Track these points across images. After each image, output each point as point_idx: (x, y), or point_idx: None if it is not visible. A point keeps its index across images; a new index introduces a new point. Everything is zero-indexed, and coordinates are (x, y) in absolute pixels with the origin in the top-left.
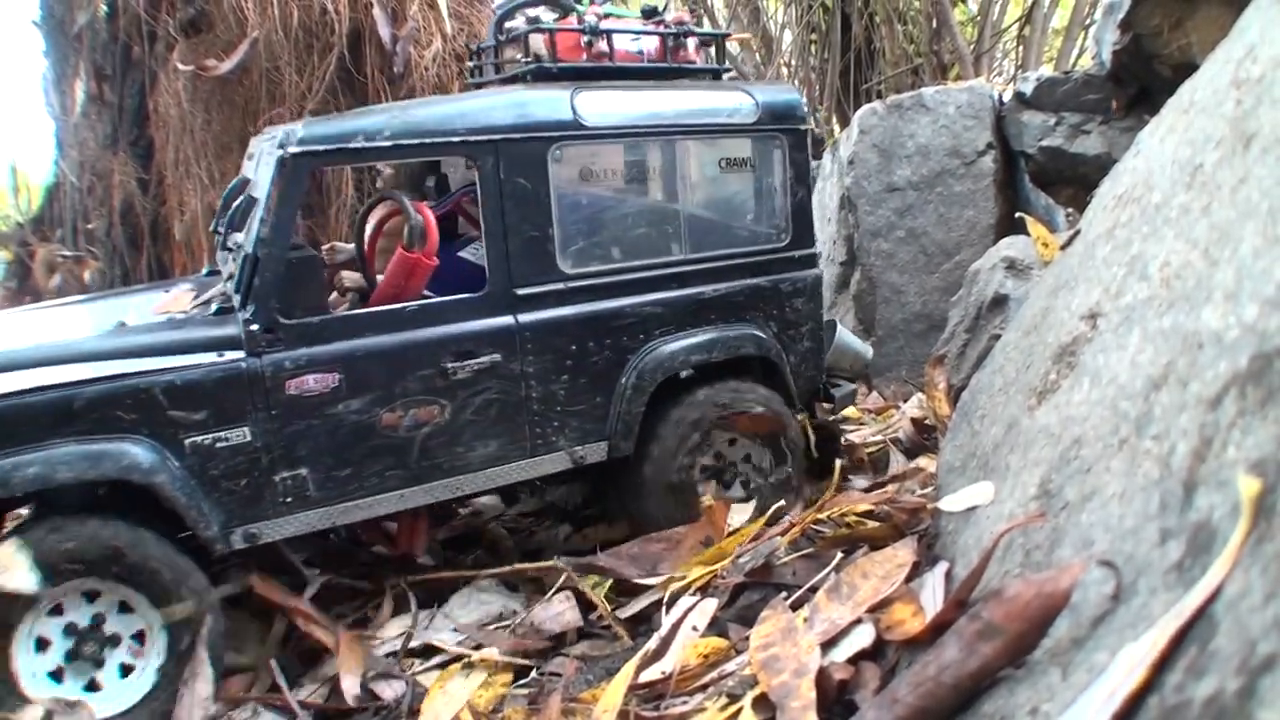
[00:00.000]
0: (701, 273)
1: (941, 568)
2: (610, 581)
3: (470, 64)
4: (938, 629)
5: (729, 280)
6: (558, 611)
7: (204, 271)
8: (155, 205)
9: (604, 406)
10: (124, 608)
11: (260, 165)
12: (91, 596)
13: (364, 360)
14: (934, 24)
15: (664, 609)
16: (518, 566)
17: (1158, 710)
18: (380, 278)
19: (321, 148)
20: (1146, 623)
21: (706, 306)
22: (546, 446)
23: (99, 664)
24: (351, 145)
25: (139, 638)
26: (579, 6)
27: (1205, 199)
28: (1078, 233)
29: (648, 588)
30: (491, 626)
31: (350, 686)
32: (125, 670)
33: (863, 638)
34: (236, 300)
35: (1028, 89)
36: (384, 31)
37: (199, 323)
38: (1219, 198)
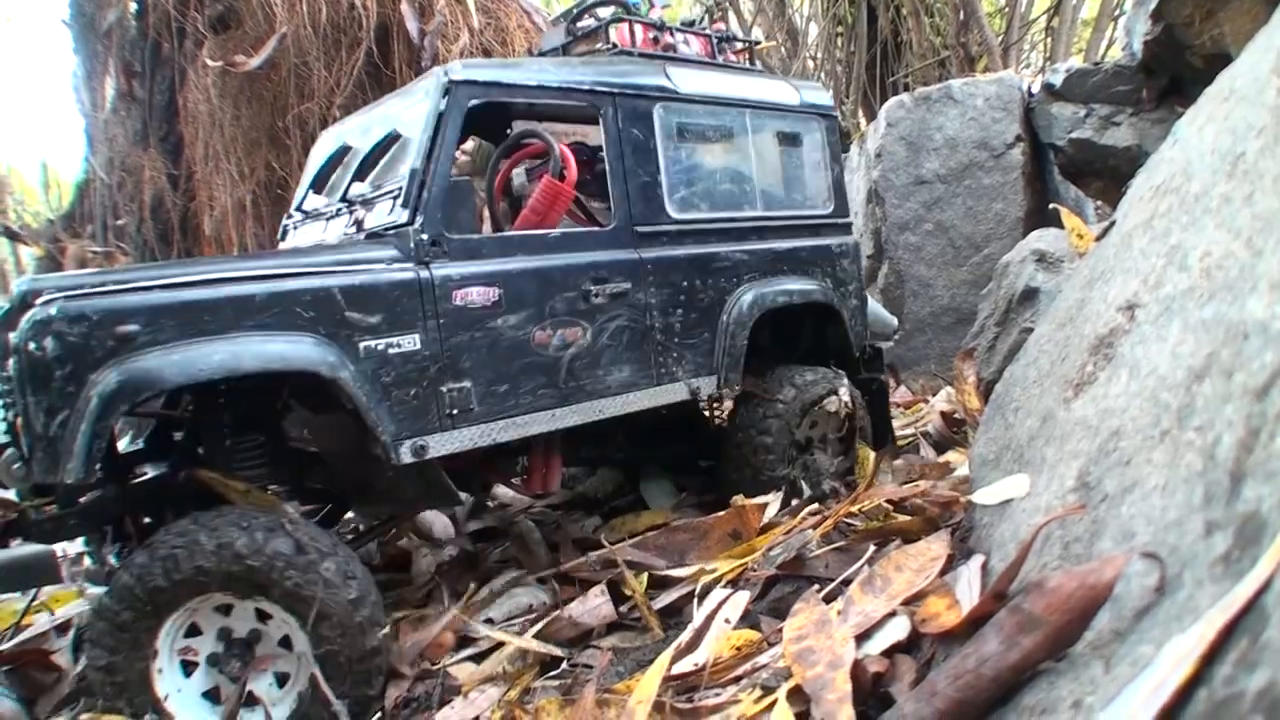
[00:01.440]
0: (773, 228)
1: (977, 561)
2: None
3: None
4: (975, 622)
5: (795, 238)
6: (594, 605)
7: None
8: (185, 200)
9: (711, 341)
10: (260, 615)
11: (392, 119)
12: (226, 610)
13: (519, 278)
14: (961, 15)
15: (696, 601)
16: (588, 557)
17: (1207, 703)
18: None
19: (481, 80)
20: (1193, 615)
21: (780, 259)
22: (669, 376)
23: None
24: (505, 81)
25: (285, 643)
26: (639, 11)
27: (1248, 188)
28: (1113, 224)
29: (677, 580)
30: (522, 619)
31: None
32: (281, 680)
33: (897, 630)
34: (404, 215)
35: (1057, 80)
36: (411, 26)
37: (355, 245)
38: (1261, 187)
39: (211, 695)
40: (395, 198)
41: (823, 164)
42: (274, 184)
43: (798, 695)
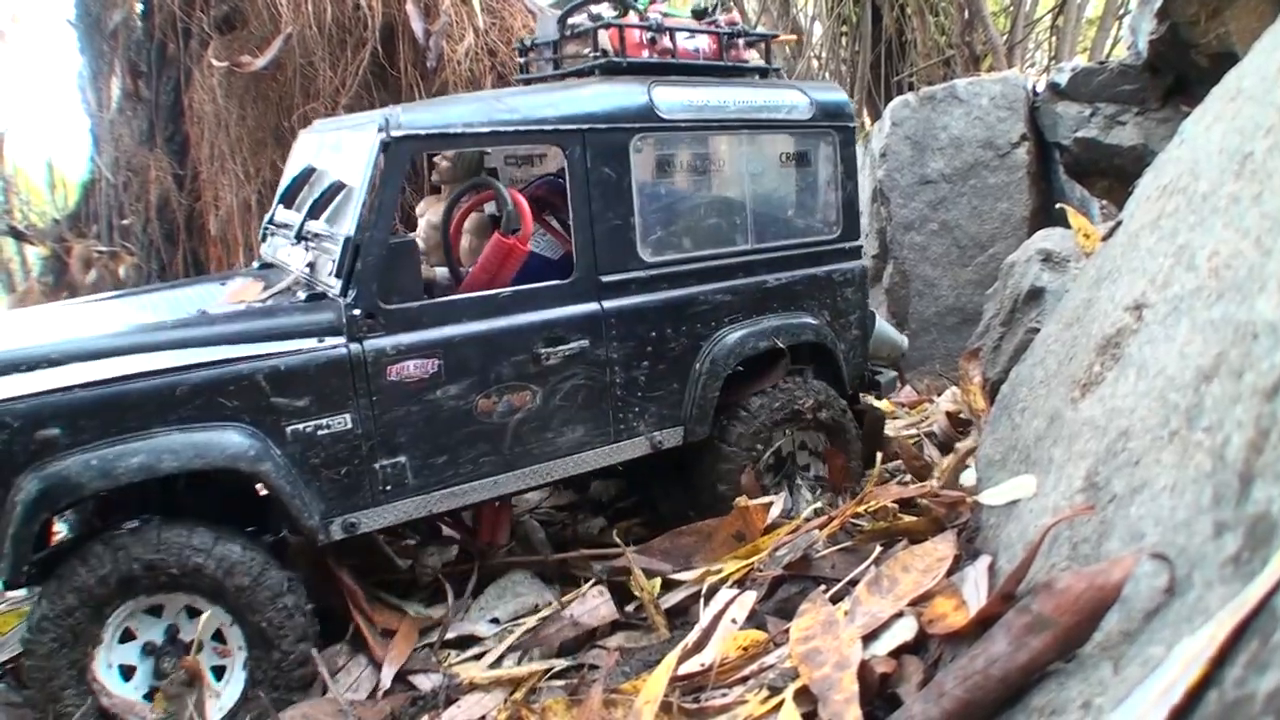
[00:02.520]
0: (765, 262)
1: (984, 561)
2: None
3: (522, 60)
4: (983, 622)
5: (789, 270)
6: (594, 606)
7: (256, 265)
8: (190, 201)
9: (680, 392)
10: (191, 612)
11: (344, 153)
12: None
13: (462, 345)
14: (966, 14)
15: (702, 602)
16: (583, 553)
17: (1218, 704)
18: (464, 269)
19: (424, 132)
20: (1203, 616)
21: (770, 295)
22: (628, 431)
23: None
24: (451, 131)
25: (219, 637)
26: (639, 5)
27: (1256, 188)
28: (1119, 223)
29: (682, 581)
30: (526, 619)
31: (387, 676)
32: (218, 673)
33: (904, 631)
34: (336, 286)
35: (1062, 80)
36: (417, 26)
37: (290, 310)
38: (1270, 186)
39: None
40: (334, 259)
41: (834, 181)
42: (279, 183)
43: (805, 696)
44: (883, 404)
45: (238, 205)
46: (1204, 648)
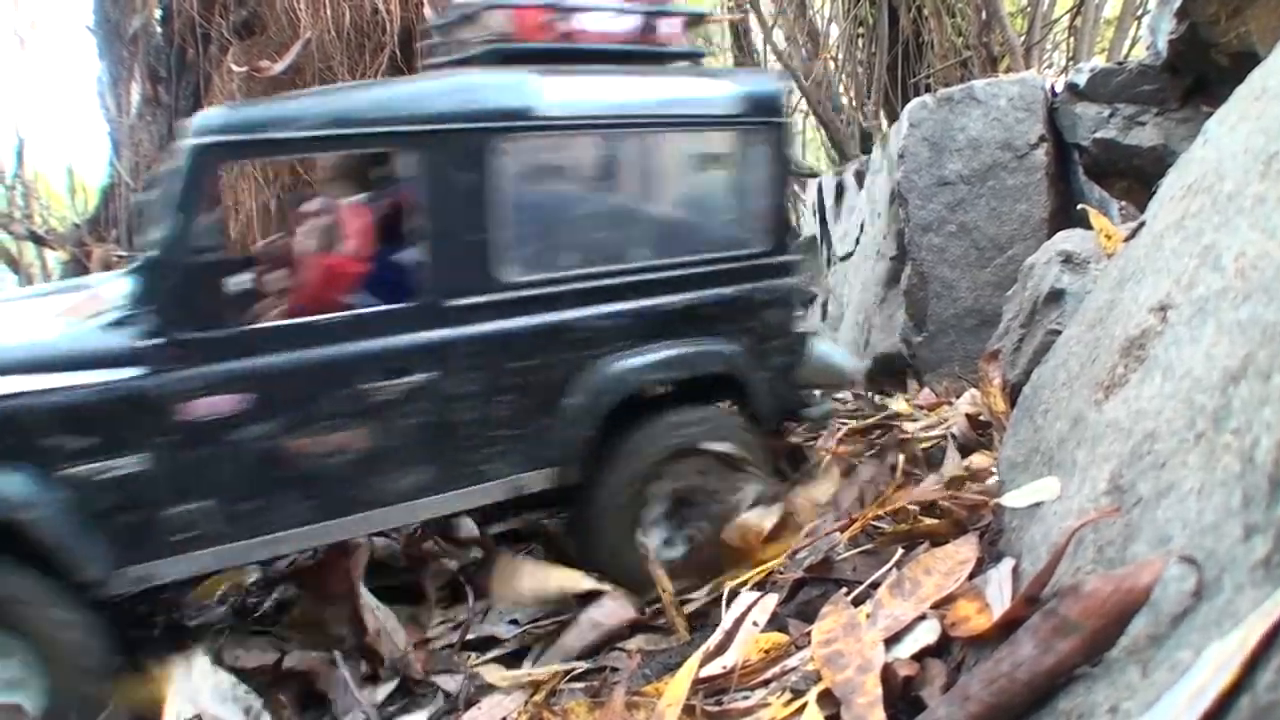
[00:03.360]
0: (667, 281)
1: (1008, 564)
2: None
3: (426, 43)
4: (1007, 626)
5: (698, 290)
6: (612, 608)
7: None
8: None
9: (551, 429)
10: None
11: (175, 161)
12: None
13: (276, 380)
14: (983, 15)
15: (724, 603)
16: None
17: (1250, 709)
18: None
19: (232, 139)
20: (1233, 620)
21: (671, 319)
22: (485, 474)
23: None
24: (266, 136)
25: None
26: None
27: None
28: (1142, 224)
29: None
30: (546, 620)
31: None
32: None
33: (927, 634)
34: (137, 312)
35: (1081, 80)
36: None
37: (85, 335)
38: None
39: None
40: (139, 279)
41: (762, 189)
42: (299, 187)
43: (827, 699)
44: (901, 405)
45: (257, 209)
46: (1235, 652)
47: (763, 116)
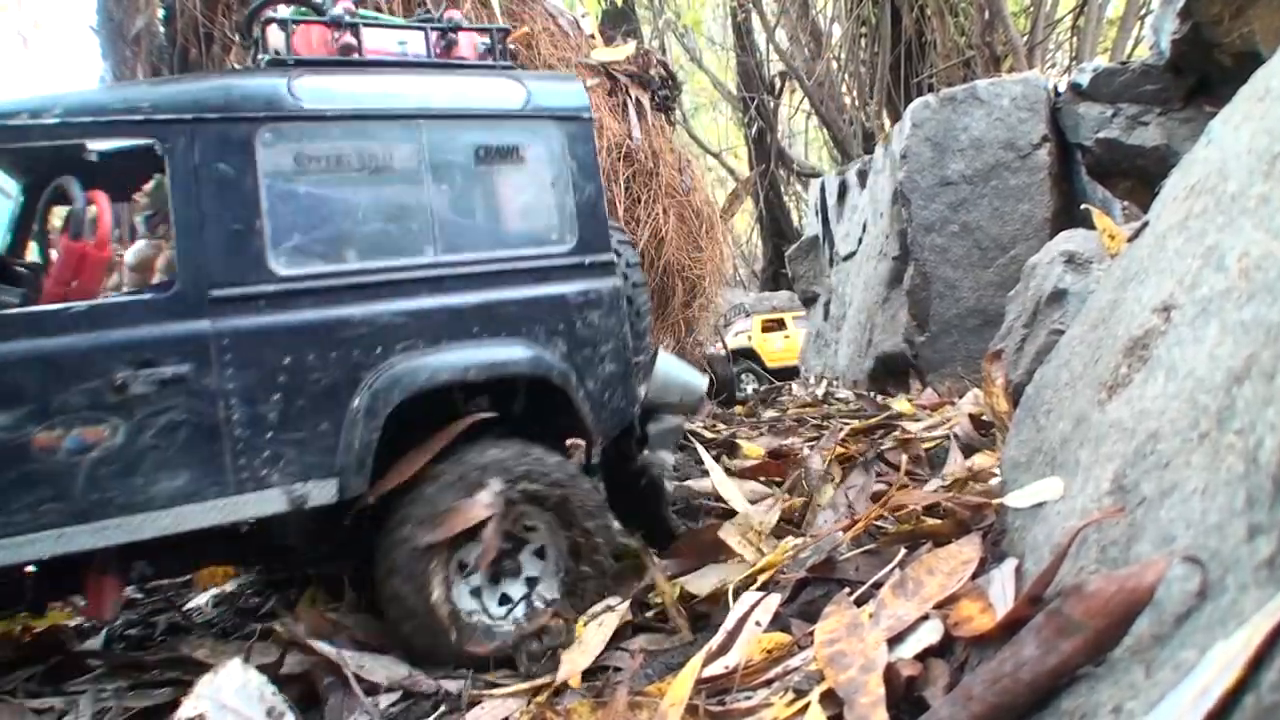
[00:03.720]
0: (461, 278)
1: (1011, 564)
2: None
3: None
4: (1010, 626)
5: (498, 288)
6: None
7: None
8: None
9: (333, 435)
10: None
11: None
12: None
13: (13, 368)
14: (986, 15)
15: (731, 597)
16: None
17: (1254, 708)
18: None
19: None
20: (1237, 620)
21: (468, 318)
22: (256, 482)
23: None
24: (11, 124)
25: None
26: (333, 5)
27: None
28: (1146, 224)
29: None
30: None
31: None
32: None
33: (930, 634)
34: None
35: (1084, 80)
36: None
37: None
38: None
39: None
40: None
41: (562, 184)
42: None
43: (830, 699)
44: (903, 405)
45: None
46: (1239, 651)
47: (554, 113)
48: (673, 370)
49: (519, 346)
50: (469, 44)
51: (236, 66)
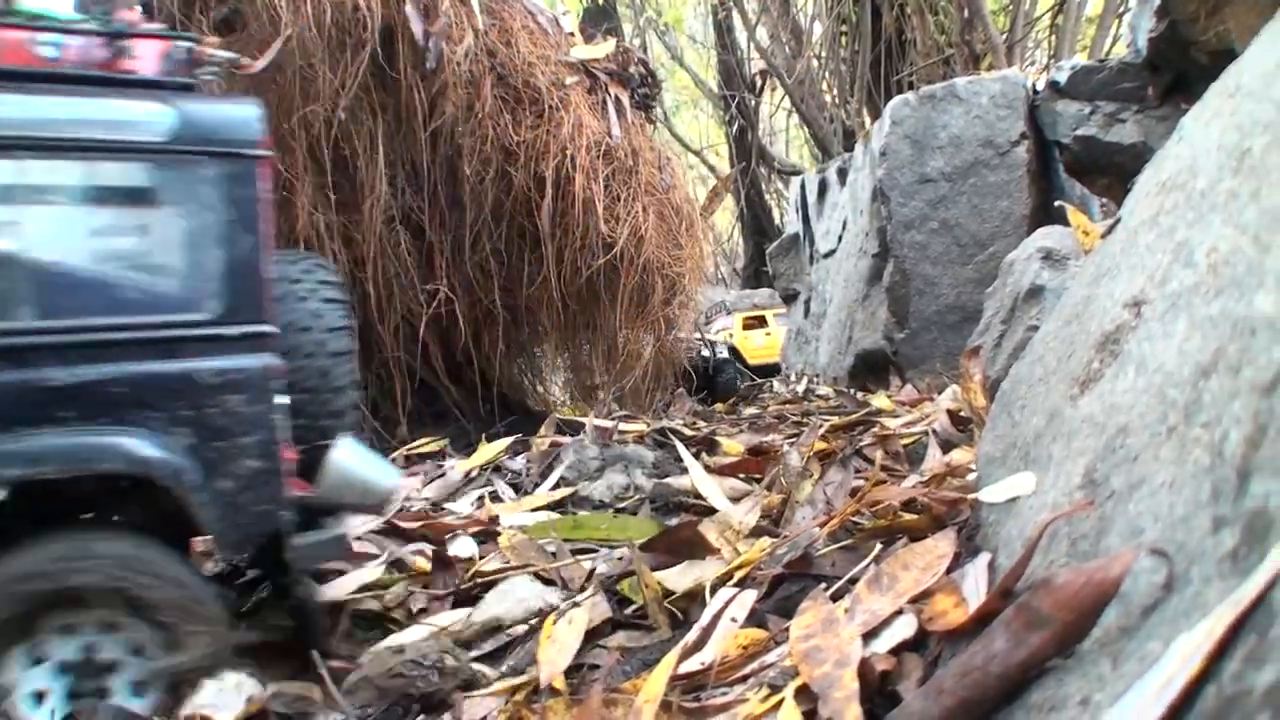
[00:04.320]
0: (52, 349)
1: (984, 559)
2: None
3: None
4: (982, 619)
5: (103, 362)
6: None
7: None
8: None
9: None
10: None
11: None
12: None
13: None
14: (965, 13)
15: (708, 592)
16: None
17: (1215, 699)
18: None
19: None
20: (1201, 612)
21: (57, 399)
22: None
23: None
24: None
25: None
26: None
27: (1254, 184)
28: (1119, 220)
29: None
30: (530, 619)
31: None
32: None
33: (905, 629)
34: None
35: (1062, 78)
36: (416, 27)
37: None
38: (1269, 182)
39: None
40: None
41: (207, 236)
42: (280, 186)
43: (805, 694)
44: (882, 401)
45: None
46: (1201, 643)
47: (214, 147)
48: (352, 464)
49: (118, 436)
50: (154, 54)
51: None
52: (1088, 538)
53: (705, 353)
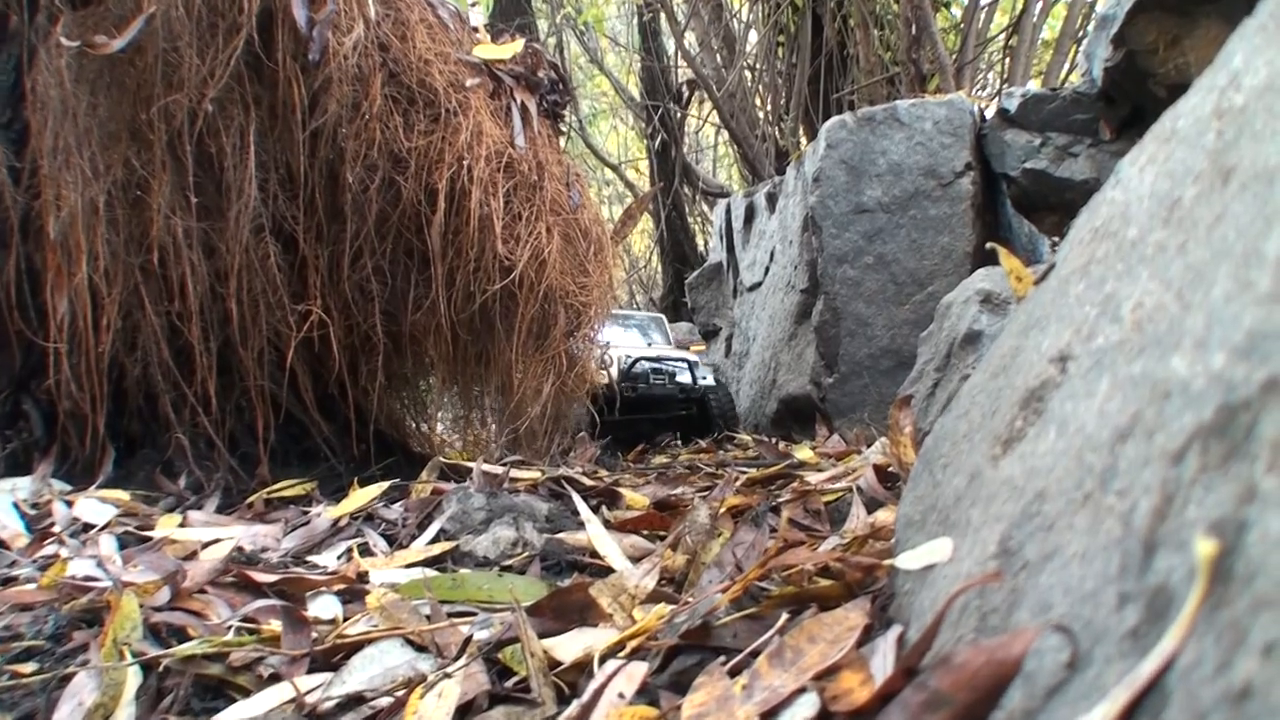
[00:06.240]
0: None
1: (894, 632)
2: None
3: None
4: (884, 698)
5: None
6: (467, 676)
7: None
8: (27, 198)
9: None
10: None
11: None
12: None
13: None
14: (913, 30)
15: (596, 666)
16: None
17: None
18: None
19: None
20: (1100, 693)
21: None
22: None
23: None
24: None
25: None
26: None
27: (1182, 237)
28: (1052, 267)
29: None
30: (397, 690)
31: None
32: None
33: (806, 709)
34: None
35: (1012, 105)
36: (299, 14)
37: None
38: (1195, 236)
39: None
40: None
41: None
42: (133, 184)
43: None
44: (806, 454)
45: (83, 206)
46: None
47: None
48: None
49: None
50: None
51: (63, 40)
52: (998, 611)
53: (682, 378)
